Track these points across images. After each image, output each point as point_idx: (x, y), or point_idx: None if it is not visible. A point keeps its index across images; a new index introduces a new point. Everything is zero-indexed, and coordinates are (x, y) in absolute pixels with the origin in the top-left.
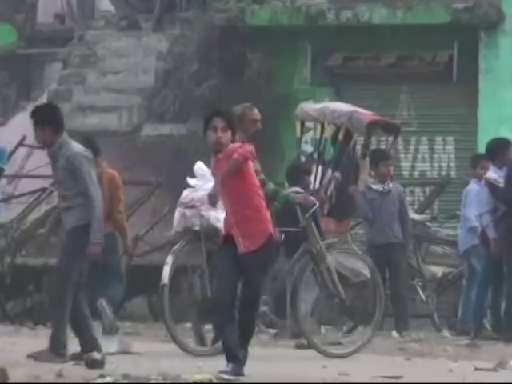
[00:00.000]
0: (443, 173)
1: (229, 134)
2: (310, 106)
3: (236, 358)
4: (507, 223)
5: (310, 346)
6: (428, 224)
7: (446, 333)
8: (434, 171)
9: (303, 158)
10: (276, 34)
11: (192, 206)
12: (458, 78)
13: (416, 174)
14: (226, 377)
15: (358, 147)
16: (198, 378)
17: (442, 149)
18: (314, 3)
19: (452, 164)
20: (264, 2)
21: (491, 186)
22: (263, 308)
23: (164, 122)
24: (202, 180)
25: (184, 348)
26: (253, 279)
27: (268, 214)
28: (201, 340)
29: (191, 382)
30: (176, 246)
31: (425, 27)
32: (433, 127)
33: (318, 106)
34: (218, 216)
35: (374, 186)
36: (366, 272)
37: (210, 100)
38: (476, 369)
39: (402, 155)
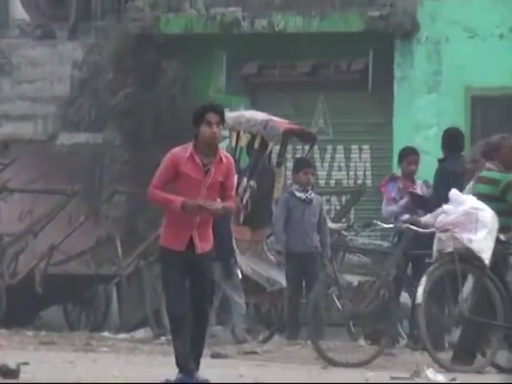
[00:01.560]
0: (359, 181)
1: (221, 129)
2: (225, 115)
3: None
4: None
5: None
6: (344, 233)
7: (361, 342)
8: (350, 180)
9: None
10: (191, 43)
11: (445, 230)
12: (374, 86)
13: (332, 182)
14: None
15: (274, 156)
16: None
17: (358, 157)
18: (229, 11)
19: (368, 172)
20: (179, 10)
21: (415, 196)
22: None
23: (80, 131)
24: (455, 204)
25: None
26: (208, 277)
27: None
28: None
29: None
30: (431, 268)
31: (340, 35)
32: (348, 136)
33: (234, 114)
34: (470, 237)
35: (298, 194)
36: (282, 280)
37: (125, 109)
38: (392, 378)
39: (318, 164)
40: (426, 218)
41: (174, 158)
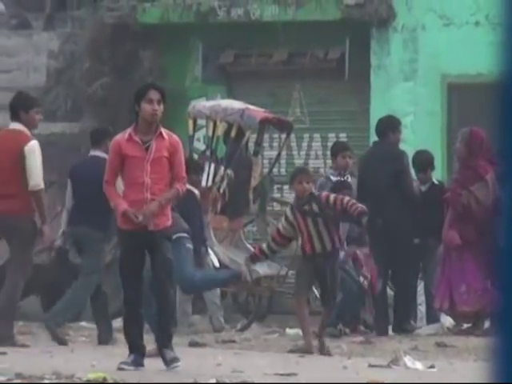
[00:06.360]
0: None
1: (162, 107)
2: (202, 104)
3: (138, 349)
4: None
5: None
6: None
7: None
8: (328, 168)
9: (196, 156)
10: (167, 32)
11: None
12: (350, 75)
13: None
14: (127, 367)
15: (251, 145)
16: (92, 376)
17: None
18: (205, 0)
19: None
20: None
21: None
22: None
23: (56, 121)
24: None
25: None
26: (163, 255)
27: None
28: None
29: (85, 380)
30: None
31: (316, 24)
32: (325, 124)
33: (210, 103)
34: None
35: (334, 178)
36: (259, 269)
37: (102, 98)
38: (370, 365)
39: (295, 152)
40: None
41: (115, 143)
